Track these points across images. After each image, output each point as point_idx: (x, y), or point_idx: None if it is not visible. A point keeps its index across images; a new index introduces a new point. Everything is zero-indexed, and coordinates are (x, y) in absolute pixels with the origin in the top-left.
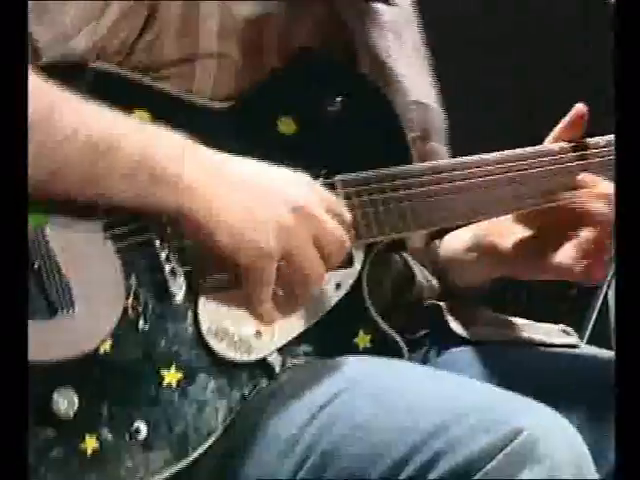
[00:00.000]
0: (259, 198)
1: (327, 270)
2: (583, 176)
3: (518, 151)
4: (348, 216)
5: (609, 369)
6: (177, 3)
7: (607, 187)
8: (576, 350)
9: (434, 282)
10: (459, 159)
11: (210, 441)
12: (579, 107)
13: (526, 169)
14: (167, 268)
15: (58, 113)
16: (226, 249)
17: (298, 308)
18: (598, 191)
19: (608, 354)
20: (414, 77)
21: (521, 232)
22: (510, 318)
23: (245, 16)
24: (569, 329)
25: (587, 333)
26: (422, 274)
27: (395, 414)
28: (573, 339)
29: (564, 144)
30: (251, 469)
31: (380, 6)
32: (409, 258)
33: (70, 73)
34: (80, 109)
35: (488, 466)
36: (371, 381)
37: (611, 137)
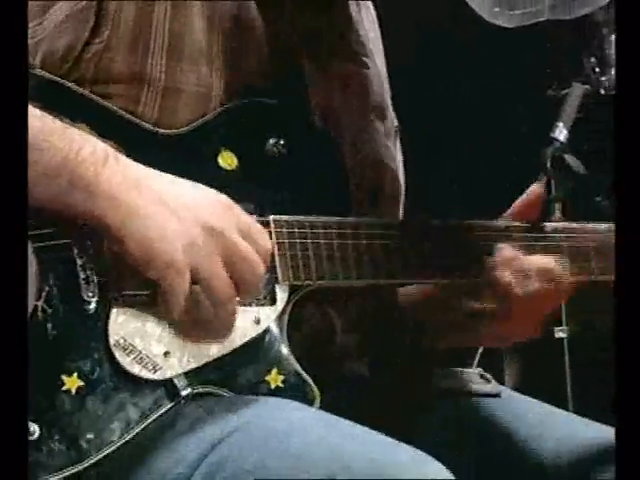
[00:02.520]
0: (174, 213)
1: (240, 295)
2: (503, 248)
3: (457, 222)
4: (268, 244)
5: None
6: (129, 16)
7: (525, 263)
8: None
9: (355, 341)
10: (395, 220)
11: (102, 454)
12: (534, 188)
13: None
14: (82, 275)
15: None
16: (135, 260)
17: (215, 332)
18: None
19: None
20: (368, 130)
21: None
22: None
23: (196, 44)
24: (487, 375)
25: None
26: (345, 334)
27: (282, 461)
28: (495, 386)
29: (514, 223)
30: None
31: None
32: (332, 313)
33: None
34: None
35: None
36: (262, 423)
37: (566, 224)
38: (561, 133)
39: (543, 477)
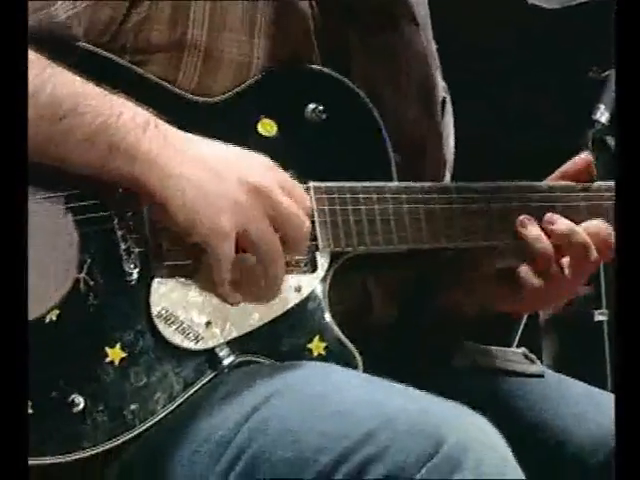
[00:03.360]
0: (216, 176)
1: (287, 253)
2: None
3: (502, 183)
4: (309, 203)
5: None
6: None
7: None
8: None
9: (393, 316)
10: (437, 184)
11: (147, 424)
12: (584, 155)
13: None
14: (123, 246)
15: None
16: (180, 224)
17: (262, 294)
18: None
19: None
20: (409, 105)
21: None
22: (484, 346)
23: (238, 14)
24: (531, 355)
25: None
26: (382, 302)
27: (325, 420)
28: (538, 367)
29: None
30: (179, 468)
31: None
32: (372, 285)
33: (57, 50)
34: (46, 69)
35: (417, 475)
36: (303, 386)
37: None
38: (603, 115)
39: (582, 456)
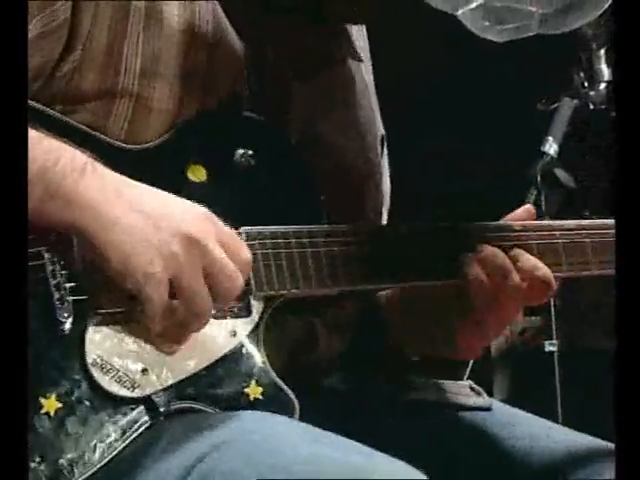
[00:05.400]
0: (152, 223)
1: (217, 304)
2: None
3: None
4: (247, 254)
5: None
6: (102, 35)
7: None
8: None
9: (338, 347)
10: (369, 224)
11: (85, 475)
12: (528, 206)
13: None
14: (56, 295)
15: None
16: (114, 270)
17: (186, 339)
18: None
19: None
20: (349, 143)
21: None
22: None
23: (171, 60)
24: (477, 387)
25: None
26: (327, 339)
27: (264, 474)
28: (485, 399)
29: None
30: None
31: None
32: (316, 321)
33: None
34: None
35: None
36: (249, 438)
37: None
38: (551, 147)
39: None
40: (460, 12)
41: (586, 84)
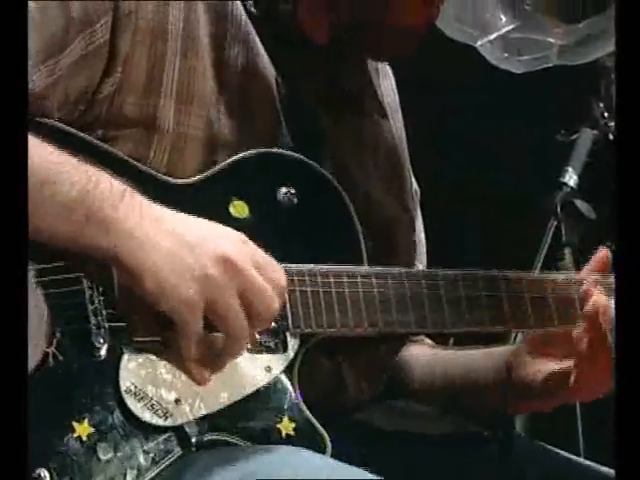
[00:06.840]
0: (189, 248)
1: (253, 329)
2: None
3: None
4: (283, 278)
5: None
6: (142, 58)
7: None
8: None
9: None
10: (408, 269)
11: None
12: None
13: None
14: (93, 321)
15: None
16: (151, 295)
17: (222, 366)
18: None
19: None
20: (383, 192)
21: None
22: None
23: (207, 91)
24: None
25: None
26: (357, 385)
27: None
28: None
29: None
30: None
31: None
32: (345, 366)
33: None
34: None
35: None
36: (275, 472)
37: None
38: (571, 178)
39: None
40: (479, 44)
41: (606, 114)
